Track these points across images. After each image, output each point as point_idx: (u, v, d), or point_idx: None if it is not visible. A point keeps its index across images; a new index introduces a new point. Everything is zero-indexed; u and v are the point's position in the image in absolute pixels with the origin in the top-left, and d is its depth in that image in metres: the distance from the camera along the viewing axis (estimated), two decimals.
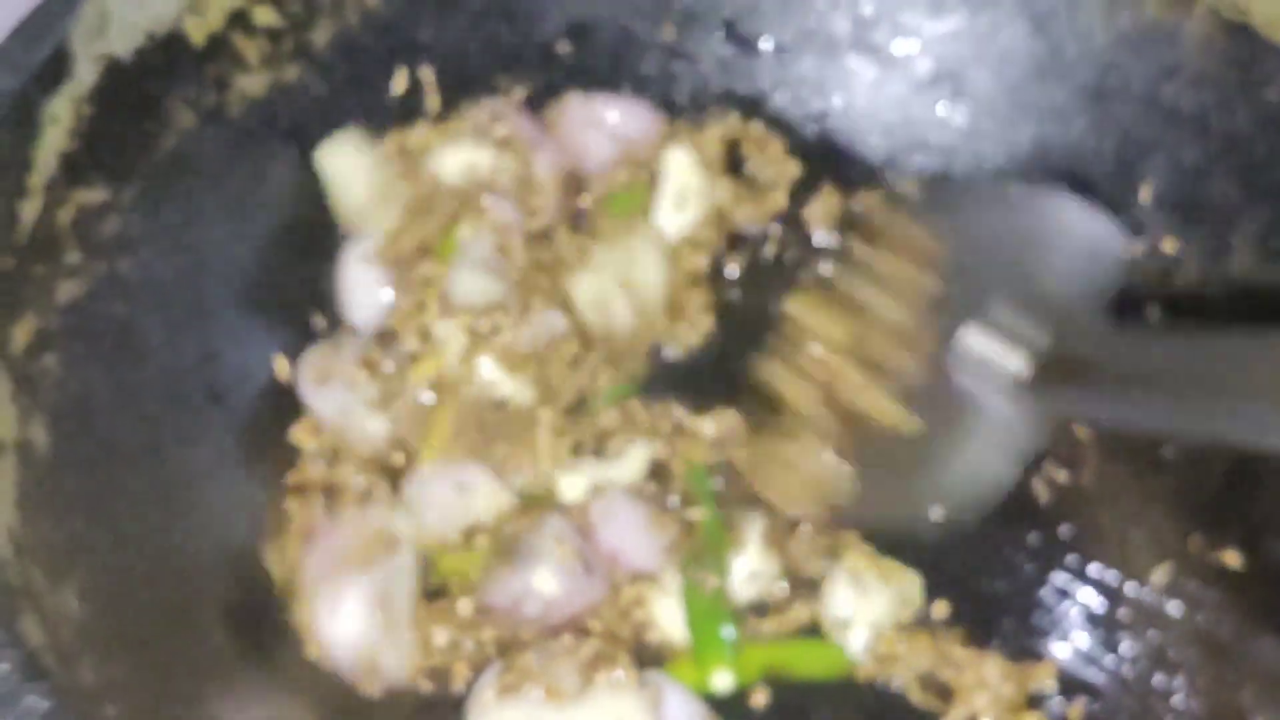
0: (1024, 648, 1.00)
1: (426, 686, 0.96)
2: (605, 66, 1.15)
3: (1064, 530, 1.04)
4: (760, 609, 1.00)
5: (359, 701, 0.96)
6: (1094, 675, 0.98)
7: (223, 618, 0.95)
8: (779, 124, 1.19)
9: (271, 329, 1.06)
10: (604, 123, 1.13)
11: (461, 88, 1.13)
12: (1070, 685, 0.98)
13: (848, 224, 1.13)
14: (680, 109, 1.18)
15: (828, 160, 1.18)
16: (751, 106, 1.18)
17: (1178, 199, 1.10)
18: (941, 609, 1.01)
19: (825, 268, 1.08)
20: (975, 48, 1.15)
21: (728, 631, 0.98)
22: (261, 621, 0.97)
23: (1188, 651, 0.99)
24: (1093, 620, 1.00)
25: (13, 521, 0.81)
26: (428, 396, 1.03)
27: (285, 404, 1.05)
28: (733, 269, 1.14)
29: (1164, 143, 1.10)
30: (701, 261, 1.12)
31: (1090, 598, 1.01)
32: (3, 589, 0.76)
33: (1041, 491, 1.05)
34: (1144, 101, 1.10)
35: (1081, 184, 1.14)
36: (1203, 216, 1.09)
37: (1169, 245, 1.11)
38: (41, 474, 0.86)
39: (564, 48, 1.14)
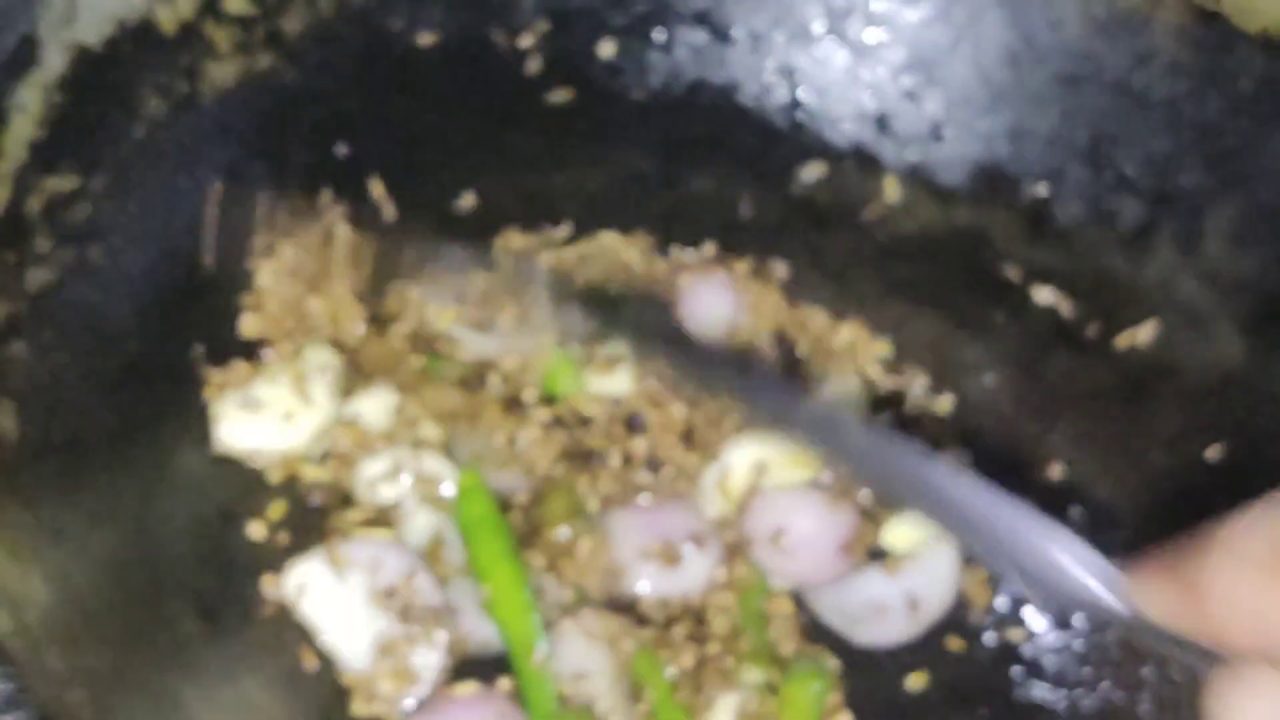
0: None
1: None
2: (578, 54, 1.15)
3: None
4: None
5: (328, 688, 0.96)
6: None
7: (193, 605, 0.95)
8: (751, 114, 1.18)
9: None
10: None
11: None
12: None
13: None
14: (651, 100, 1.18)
15: (798, 149, 1.18)
16: (723, 96, 1.18)
17: (1150, 187, 1.11)
18: None
19: None
20: (949, 36, 1.15)
21: None
22: (231, 609, 0.97)
23: None
24: None
25: None
26: None
27: None
28: None
29: (1136, 131, 1.10)
30: None
31: None
32: None
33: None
34: (1116, 90, 1.10)
35: (1053, 176, 1.14)
36: (1174, 205, 1.10)
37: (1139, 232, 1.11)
38: (8, 459, 0.87)
39: (536, 37, 1.14)
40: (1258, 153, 1.06)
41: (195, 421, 1.02)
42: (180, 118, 1.01)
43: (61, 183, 0.93)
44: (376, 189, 1.11)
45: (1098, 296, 1.12)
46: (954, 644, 1.01)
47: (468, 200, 1.15)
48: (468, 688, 0.96)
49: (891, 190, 1.17)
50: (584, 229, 1.16)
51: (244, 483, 1.03)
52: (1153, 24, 1.08)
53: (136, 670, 0.87)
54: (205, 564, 0.98)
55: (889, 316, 1.14)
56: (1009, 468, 1.06)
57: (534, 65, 1.14)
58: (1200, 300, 1.08)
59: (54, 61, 0.92)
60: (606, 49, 1.15)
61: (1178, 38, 1.07)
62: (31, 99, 0.91)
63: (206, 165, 1.03)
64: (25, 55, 0.91)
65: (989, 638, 1.02)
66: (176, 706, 0.88)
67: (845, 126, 1.18)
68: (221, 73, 1.02)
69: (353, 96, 1.09)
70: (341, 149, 1.10)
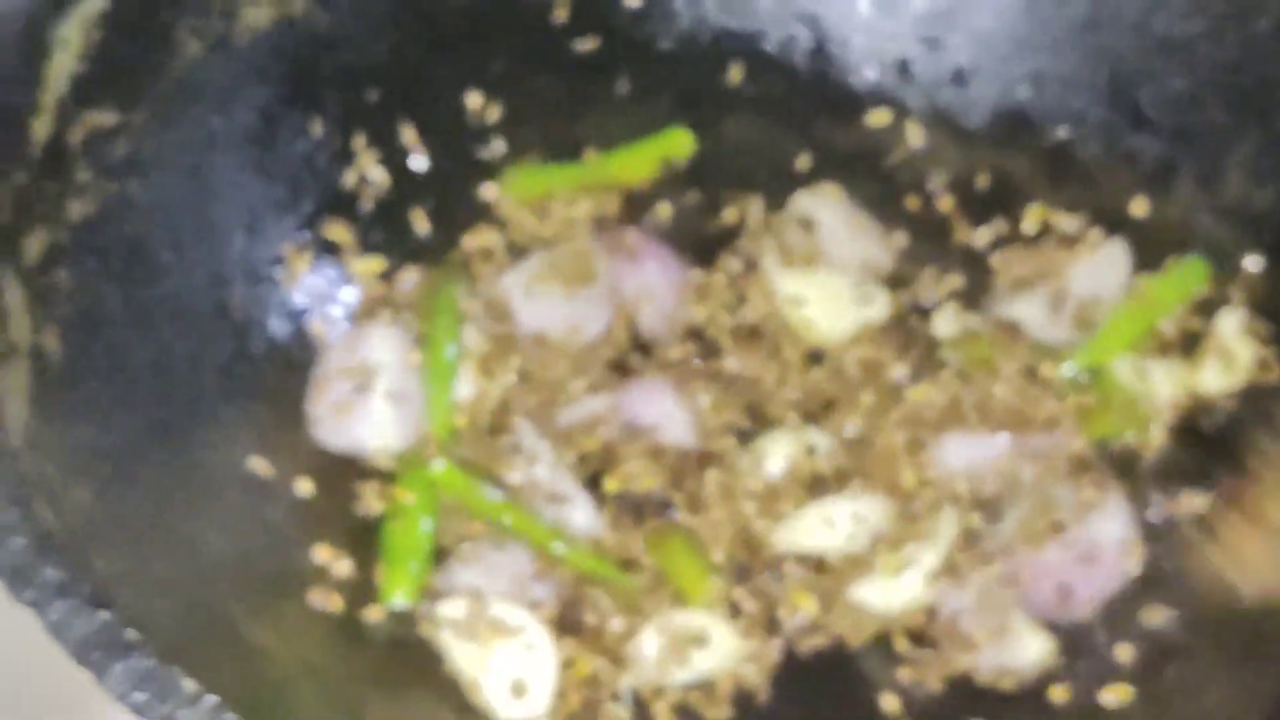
0: None
1: None
2: (604, 2, 1.17)
3: None
4: None
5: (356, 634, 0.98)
6: None
7: (228, 535, 0.97)
8: (776, 62, 1.20)
9: (280, 258, 1.08)
10: None
11: None
12: None
13: None
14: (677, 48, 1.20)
15: (822, 96, 1.20)
16: (748, 44, 1.20)
17: (1170, 126, 1.12)
18: None
19: None
20: None
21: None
22: (265, 536, 0.99)
23: None
24: None
25: (27, 418, 0.83)
26: None
27: (293, 329, 1.08)
28: None
29: (1155, 72, 1.12)
30: None
31: None
32: (17, 476, 0.78)
33: None
34: (1136, 32, 1.12)
35: (1074, 117, 1.16)
36: (1194, 143, 1.11)
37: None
38: (54, 380, 0.88)
39: None
40: (1275, 90, 1.07)
41: (234, 359, 1.03)
42: (216, 59, 1.02)
43: (102, 117, 0.95)
44: (408, 135, 1.13)
45: (1121, 234, 1.13)
46: None
47: (498, 147, 1.16)
48: None
49: (915, 135, 1.18)
50: None
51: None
52: None
53: (181, 584, 0.88)
54: (243, 498, 0.99)
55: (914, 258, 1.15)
56: None
57: (561, 13, 1.16)
58: (1221, 235, 1.09)
59: None
60: None
61: None
62: (73, 33, 0.93)
63: (242, 107, 1.05)
64: None
65: None
66: (228, 624, 0.89)
67: (868, 73, 1.20)
68: (256, 16, 1.04)
69: (384, 43, 1.11)
70: (373, 95, 1.11)
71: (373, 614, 0.97)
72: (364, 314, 1.09)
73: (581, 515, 1.03)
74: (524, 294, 1.10)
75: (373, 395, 1.03)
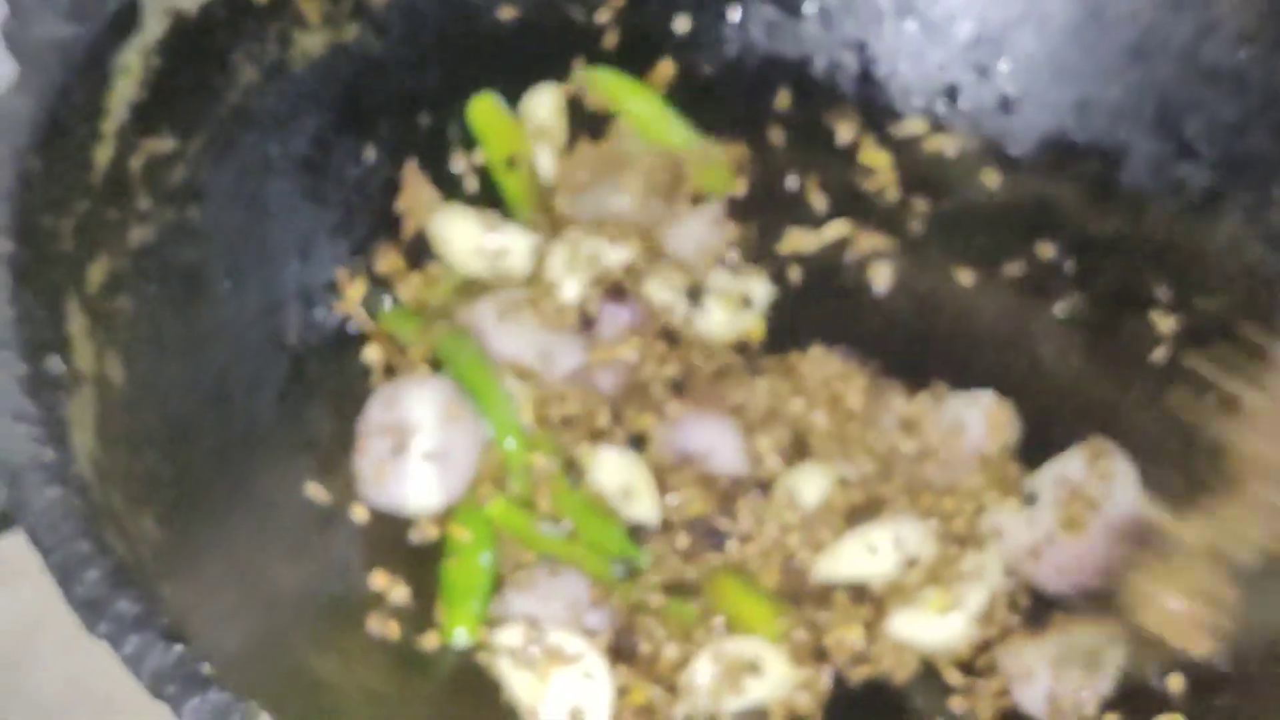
0: None
1: None
2: (654, 29, 1.17)
3: None
4: None
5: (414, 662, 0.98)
6: None
7: (290, 563, 0.97)
8: (821, 87, 1.20)
9: (333, 283, 1.09)
10: None
11: None
12: None
13: None
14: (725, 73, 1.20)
15: (870, 122, 1.20)
16: (795, 70, 1.20)
17: (1217, 156, 1.12)
18: None
19: None
20: (1018, 9, 1.16)
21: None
22: (325, 563, 0.99)
23: None
24: None
25: (93, 448, 0.83)
26: None
27: (347, 354, 1.08)
28: None
29: (1203, 100, 1.12)
30: None
31: None
32: (88, 506, 0.78)
33: None
34: (1183, 60, 1.12)
35: (1120, 146, 1.16)
36: (1242, 171, 1.11)
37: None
38: (118, 408, 0.88)
39: (613, 11, 1.16)
40: None
41: (290, 383, 1.04)
42: (272, 85, 1.03)
43: (161, 144, 0.95)
44: (459, 160, 1.13)
45: (1166, 262, 1.13)
46: None
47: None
48: None
49: (961, 161, 1.19)
50: None
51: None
52: None
53: (247, 613, 0.88)
54: (301, 521, 1.00)
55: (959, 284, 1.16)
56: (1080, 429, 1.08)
57: (611, 39, 1.16)
58: (1269, 264, 1.10)
59: (154, 26, 0.94)
60: (681, 24, 1.17)
61: (1243, 6, 1.08)
62: (133, 61, 0.93)
63: (297, 133, 1.05)
64: (127, 19, 0.93)
65: None
66: (294, 653, 0.90)
67: (915, 100, 1.20)
68: (311, 42, 1.04)
69: (436, 68, 1.11)
70: (425, 120, 1.12)
71: (429, 641, 0.97)
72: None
73: None
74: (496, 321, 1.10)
75: (410, 457, 1.02)
